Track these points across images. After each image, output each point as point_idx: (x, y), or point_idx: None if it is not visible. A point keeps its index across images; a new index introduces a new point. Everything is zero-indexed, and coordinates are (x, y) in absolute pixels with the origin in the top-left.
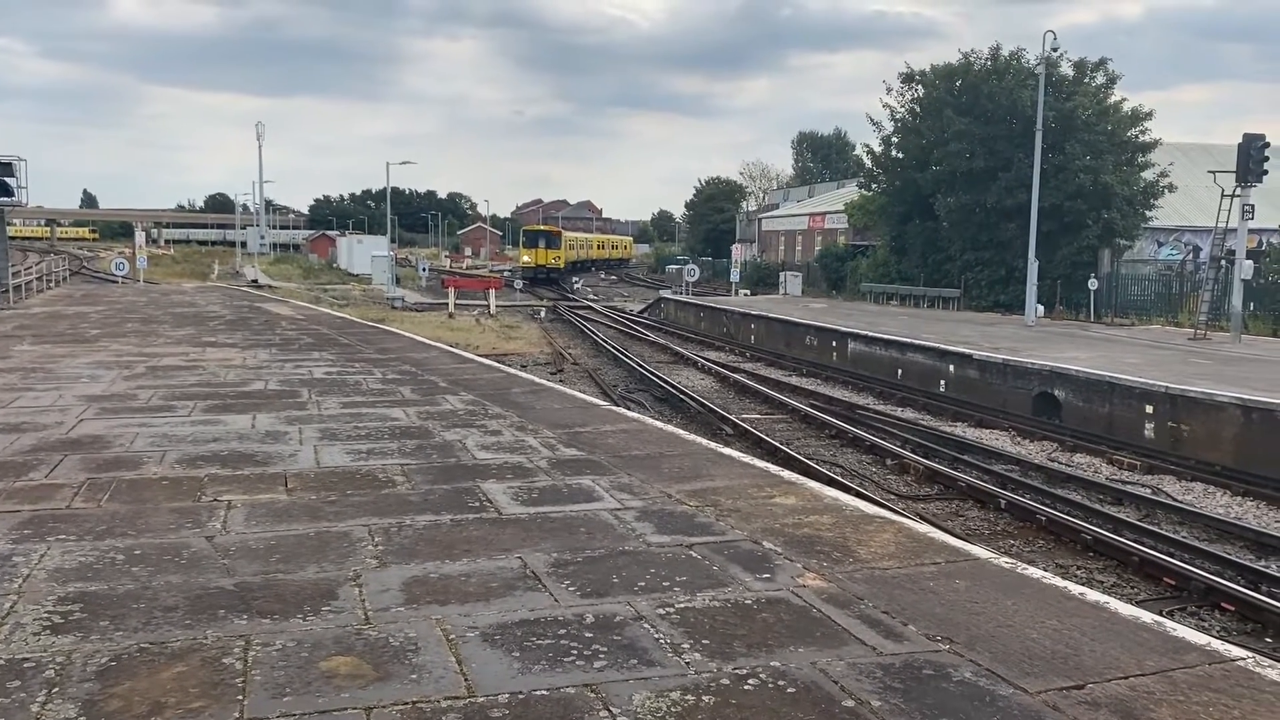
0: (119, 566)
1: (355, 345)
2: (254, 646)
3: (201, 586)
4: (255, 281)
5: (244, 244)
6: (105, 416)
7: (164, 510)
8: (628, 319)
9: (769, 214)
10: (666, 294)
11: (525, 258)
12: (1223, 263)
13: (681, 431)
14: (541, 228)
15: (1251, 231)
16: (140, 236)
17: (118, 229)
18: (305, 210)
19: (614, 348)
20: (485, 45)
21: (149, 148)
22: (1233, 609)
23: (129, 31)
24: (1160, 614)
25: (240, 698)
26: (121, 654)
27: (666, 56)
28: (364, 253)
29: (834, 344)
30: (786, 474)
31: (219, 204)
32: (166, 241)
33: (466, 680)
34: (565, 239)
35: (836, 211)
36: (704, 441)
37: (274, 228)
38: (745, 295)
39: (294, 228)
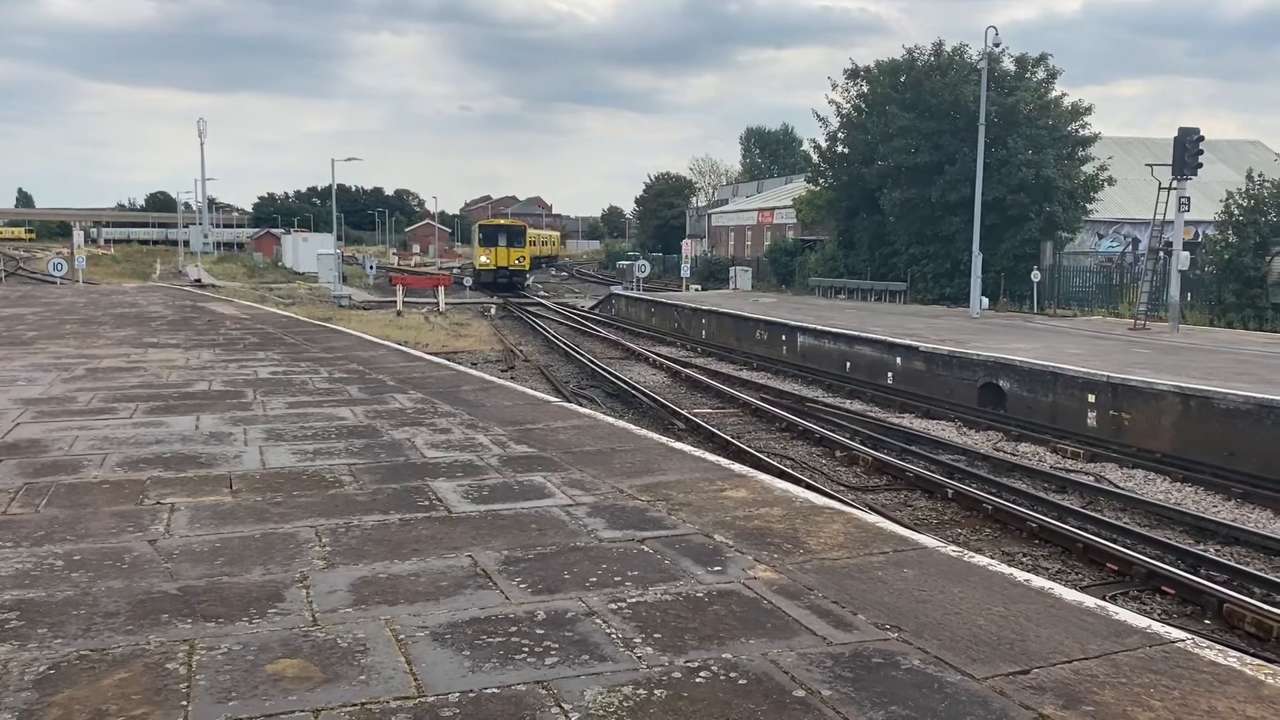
0: (58, 573)
1: (301, 344)
2: (198, 651)
3: (144, 591)
4: (198, 281)
5: (187, 243)
6: (43, 420)
7: (105, 514)
8: (579, 315)
9: (719, 209)
10: (617, 290)
11: (483, 258)
12: (1161, 254)
13: (633, 427)
14: (502, 222)
15: (1188, 223)
16: (79, 236)
17: (55, 229)
18: (249, 208)
19: (565, 344)
20: (432, 40)
21: (87, 145)
22: (1173, 592)
23: (63, 26)
24: (1103, 599)
25: (184, 703)
26: (61, 662)
27: (614, 52)
28: (310, 251)
29: (784, 338)
30: (737, 467)
31: (160, 203)
32: (106, 241)
33: (416, 680)
34: (530, 236)
35: (785, 206)
36: (656, 436)
37: (217, 226)
38: (696, 290)
39: (238, 226)
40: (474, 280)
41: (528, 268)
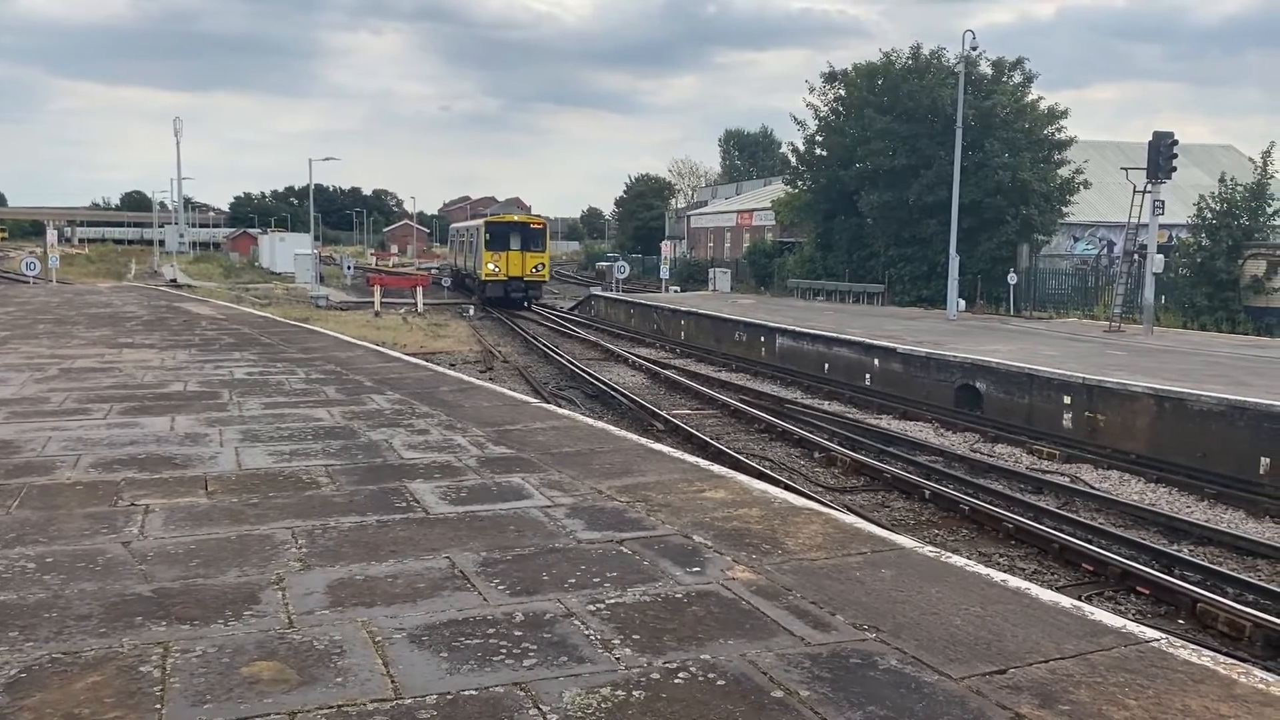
0: (29, 575)
1: (278, 345)
2: (173, 653)
3: (118, 593)
4: (174, 281)
5: (162, 242)
6: (15, 421)
7: (78, 516)
8: (558, 316)
9: (698, 211)
10: (597, 291)
11: (490, 265)
12: (1135, 257)
13: (612, 428)
14: (516, 218)
15: (1162, 227)
16: (52, 235)
17: (29, 228)
18: (226, 208)
19: (544, 345)
20: (410, 39)
21: (60, 144)
22: (1148, 592)
23: (36, 23)
24: (1079, 599)
25: (158, 706)
26: (32, 665)
27: (594, 53)
28: (287, 251)
29: (763, 339)
30: (716, 468)
31: (136, 202)
32: (81, 240)
33: (393, 682)
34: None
35: (764, 208)
36: (635, 437)
37: (193, 226)
38: (675, 292)
39: (214, 226)
40: (482, 296)
41: (547, 277)
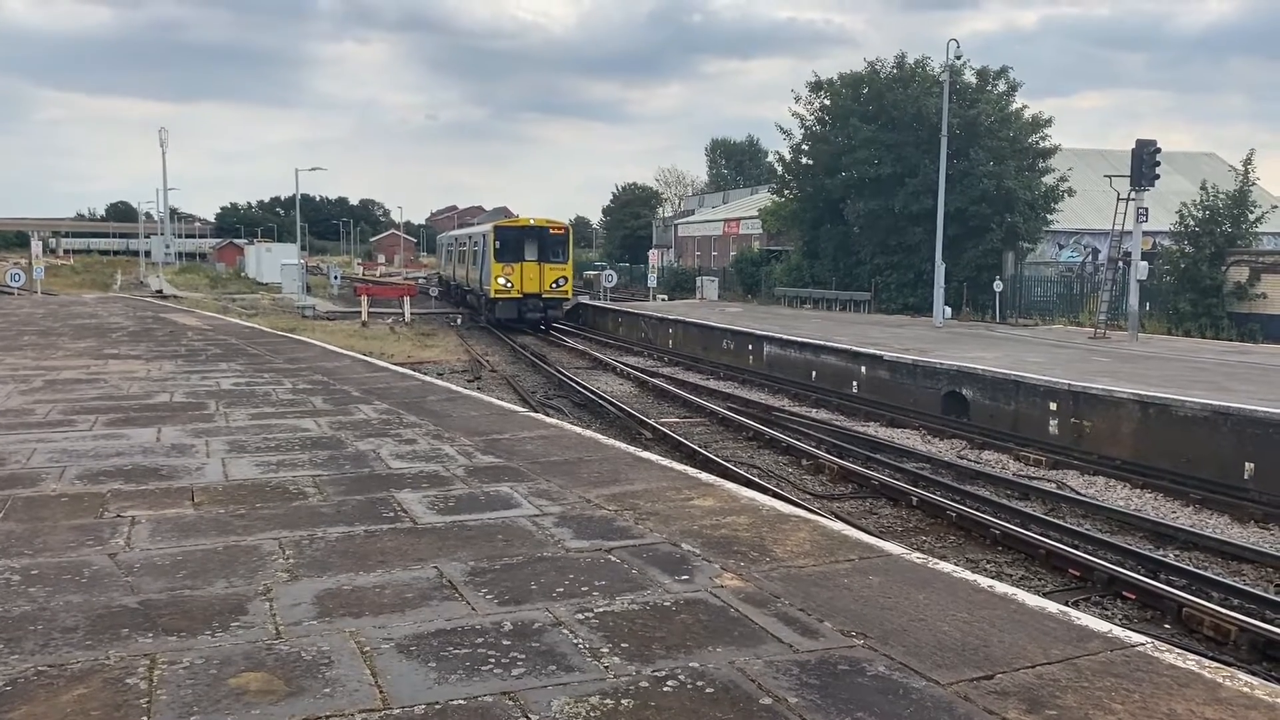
0: (14, 588)
1: (264, 355)
2: (160, 665)
3: (104, 605)
4: (160, 291)
5: (148, 253)
6: None
7: (63, 528)
8: (546, 325)
9: (685, 220)
10: (585, 300)
11: (500, 279)
12: (1120, 264)
13: (600, 436)
14: (533, 222)
15: (1145, 233)
16: (37, 246)
17: (12, 239)
18: (212, 218)
19: (532, 354)
20: (396, 49)
21: (44, 154)
22: (1134, 597)
23: (18, 33)
24: (1065, 604)
25: (145, 718)
26: (17, 678)
27: (580, 62)
28: (273, 261)
29: (750, 347)
30: (705, 476)
31: (121, 212)
32: (66, 251)
33: (381, 692)
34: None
35: (751, 217)
36: (623, 446)
37: (179, 236)
38: (663, 300)
39: (200, 236)
40: (493, 314)
41: (570, 294)
